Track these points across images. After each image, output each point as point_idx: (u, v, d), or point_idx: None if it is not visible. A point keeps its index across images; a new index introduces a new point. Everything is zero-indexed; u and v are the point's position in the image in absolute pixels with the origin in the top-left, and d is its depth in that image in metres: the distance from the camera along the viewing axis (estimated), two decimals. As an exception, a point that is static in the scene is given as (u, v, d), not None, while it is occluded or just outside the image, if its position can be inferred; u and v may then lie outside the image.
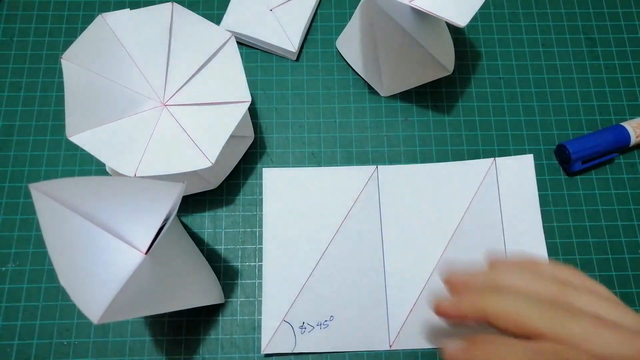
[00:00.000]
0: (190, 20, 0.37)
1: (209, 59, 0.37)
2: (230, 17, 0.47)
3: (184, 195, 0.43)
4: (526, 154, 0.44)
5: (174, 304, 0.33)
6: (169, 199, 0.29)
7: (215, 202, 0.44)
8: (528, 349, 0.23)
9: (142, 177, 0.34)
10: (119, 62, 0.36)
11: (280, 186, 0.43)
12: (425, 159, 0.45)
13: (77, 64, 0.35)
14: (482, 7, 0.49)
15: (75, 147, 0.44)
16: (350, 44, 0.46)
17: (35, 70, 0.47)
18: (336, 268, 0.41)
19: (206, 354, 0.40)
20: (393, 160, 0.45)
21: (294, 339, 0.39)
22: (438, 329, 0.40)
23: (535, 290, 0.25)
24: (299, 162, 0.45)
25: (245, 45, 0.48)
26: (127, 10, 0.36)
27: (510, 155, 0.45)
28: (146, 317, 0.40)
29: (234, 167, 0.44)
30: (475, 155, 0.45)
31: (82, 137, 0.35)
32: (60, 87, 0.46)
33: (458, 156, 0.45)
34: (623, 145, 0.44)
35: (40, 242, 0.42)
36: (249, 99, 0.36)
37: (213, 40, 0.37)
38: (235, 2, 0.48)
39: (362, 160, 0.45)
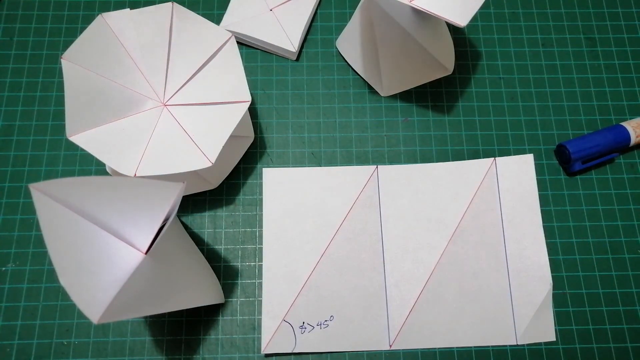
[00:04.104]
0: (191, 20, 0.37)
1: (209, 59, 0.37)
2: (230, 17, 0.47)
3: (184, 195, 0.43)
4: (526, 154, 0.44)
5: (174, 304, 0.33)
6: (169, 199, 0.29)
7: (215, 202, 0.44)
8: None
9: (142, 177, 0.34)
10: (119, 62, 0.36)
11: (280, 186, 0.43)
12: (425, 159, 0.45)
13: (77, 63, 0.35)
14: (482, 7, 0.50)
15: (75, 147, 0.44)
16: (350, 44, 0.46)
17: (35, 70, 0.47)
18: (336, 268, 0.41)
19: (206, 354, 0.40)
20: (393, 160, 0.45)
21: (294, 338, 0.39)
22: (438, 329, 0.40)
23: None
24: (299, 162, 0.45)
25: (245, 45, 0.48)
26: (127, 10, 0.36)
27: (510, 155, 0.45)
28: (146, 317, 0.40)
29: (234, 167, 0.44)
30: (475, 155, 0.45)
31: (82, 137, 0.35)
32: (60, 87, 0.46)
33: (458, 156, 0.45)
34: (623, 145, 0.44)
35: (40, 242, 0.42)
36: (249, 98, 0.36)
37: (213, 40, 0.37)
38: (235, 2, 0.48)
39: (362, 160, 0.45)
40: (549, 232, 0.43)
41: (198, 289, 0.37)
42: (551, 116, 0.46)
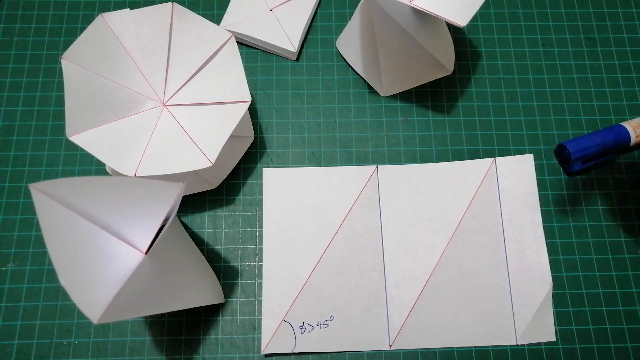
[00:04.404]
0: (191, 20, 0.37)
1: (209, 58, 0.37)
2: (231, 17, 0.47)
3: (184, 195, 0.43)
4: (526, 154, 0.44)
5: (173, 304, 0.33)
6: (169, 199, 0.29)
7: (215, 202, 0.44)
8: None
9: (142, 177, 0.34)
10: (119, 62, 0.36)
11: (280, 186, 0.43)
12: (425, 159, 0.45)
13: (77, 63, 0.35)
14: (482, 7, 0.50)
15: (75, 147, 0.44)
16: (350, 44, 0.46)
17: (35, 70, 0.47)
18: (336, 268, 0.41)
19: (206, 354, 0.40)
20: (393, 160, 0.45)
21: (294, 339, 0.39)
22: (438, 329, 0.40)
23: None
24: (299, 162, 0.45)
25: (245, 45, 0.48)
26: (127, 10, 0.36)
27: (510, 155, 0.45)
28: (146, 317, 0.40)
29: (234, 167, 0.44)
30: (475, 155, 0.45)
31: (82, 137, 0.35)
32: (60, 87, 0.46)
33: (458, 156, 0.45)
34: (623, 145, 0.44)
35: (40, 242, 0.42)
36: (249, 98, 0.36)
37: (213, 40, 0.37)
38: (235, 2, 0.48)
39: (362, 160, 0.45)
40: (549, 232, 0.43)
41: (198, 289, 0.37)
42: (551, 116, 0.46)
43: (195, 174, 0.39)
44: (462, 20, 0.34)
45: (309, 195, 0.43)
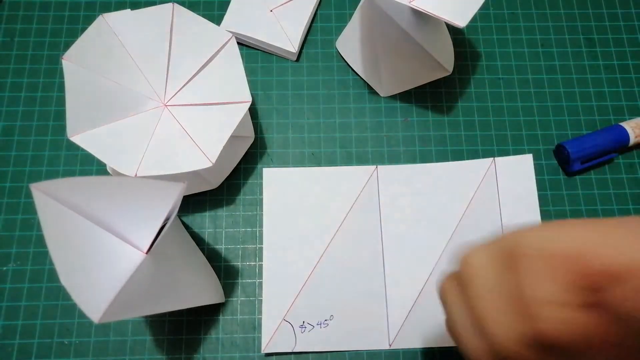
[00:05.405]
0: (191, 21, 0.37)
1: (210, 59, 0.37)
2: (231, 18, 0.47)
3: (185, 195, 0.43)
4: (525, 154, 0.44)
5: (174, 304, 0.33)
6: (170, 199, 0.29)
7: (216, 202, 0.44)
8: None
9: (143, 177, 0.34)
10: (120, 62, 0.36)
11: (280, 186, 0.43)
12: (425, 159, 0.45)
13: (78, 64, 0.35)
14: (481, 8, 0.49)
15: (76, 147, 0.44)
16: (350, 44, 0.46)
17: (36, 70, 0.47)
18: (336, 268, 0.41)
19: (206, 353, 0.40)
20: (393, 160, 0.45)
21: (294, 338, 0.40)
22: (437, 328, 0.40)
23: None
24: (299, 162, 0.45)
25: (246, 46, 0.48)
26: (127, 11, 0.37)
27: (510, 155, 0.45)
28: (147, 317, 0.40)
29: (234, 167, 0.44)
30: (474, 155, 0.45)
31: (83, 137, 0.35)
32: (61, 87, 0.46)
33: (458, 156, 0.45)
34: (622, 146, 0.44)
35: (41, 242, 0.42)
36: (250, 99, 0.36)
37: (214, 41, 0.37)
38: (236, 2, 0.48)
39: (362, 160, 0.45)
40: (548, 232, 0.43)
41: (198, 289, 0.37)
42: (550, 116, 0.47)
43: (195, 174, 0.39)
44: (461, 21, 0.34)
45: (309, 195, 0.43)
